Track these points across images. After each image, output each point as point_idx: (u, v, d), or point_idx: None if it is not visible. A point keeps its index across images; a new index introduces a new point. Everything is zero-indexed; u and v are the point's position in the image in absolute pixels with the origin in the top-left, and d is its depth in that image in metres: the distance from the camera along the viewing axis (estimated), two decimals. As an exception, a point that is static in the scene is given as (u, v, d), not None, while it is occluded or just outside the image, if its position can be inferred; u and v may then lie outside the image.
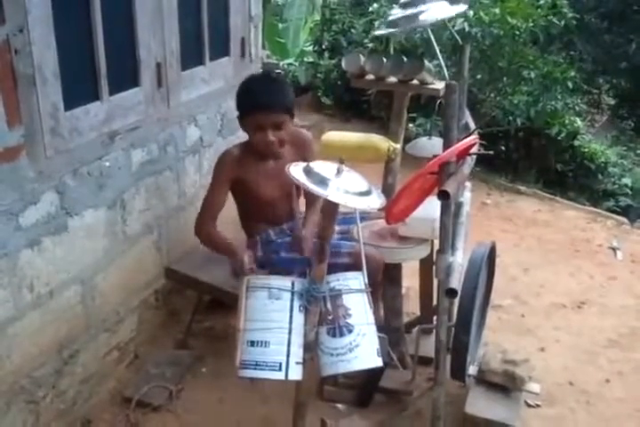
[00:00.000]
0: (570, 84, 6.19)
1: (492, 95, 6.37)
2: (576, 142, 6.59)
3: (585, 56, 8.21)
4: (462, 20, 5.62)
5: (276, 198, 2.73)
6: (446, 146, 2.22)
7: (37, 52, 2.08)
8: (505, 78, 6.25)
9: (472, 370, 2.68)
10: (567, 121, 6.45)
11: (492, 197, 5.67)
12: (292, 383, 2.02)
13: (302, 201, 2.83)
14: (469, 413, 2.55)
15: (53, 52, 2.15)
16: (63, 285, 2.40)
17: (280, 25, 8.15)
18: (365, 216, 2.82)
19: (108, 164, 2.53)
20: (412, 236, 2.73)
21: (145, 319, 2.96)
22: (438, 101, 3.17)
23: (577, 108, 6.79)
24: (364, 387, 2.75)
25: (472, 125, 2.84)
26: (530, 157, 6.65)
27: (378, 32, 3.15)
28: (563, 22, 6.28)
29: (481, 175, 5.90)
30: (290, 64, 7.57)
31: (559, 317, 3.68)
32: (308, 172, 1.82)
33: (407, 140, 3.31)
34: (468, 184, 2.89)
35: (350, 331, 1.95)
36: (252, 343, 1.91)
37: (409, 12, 2.96)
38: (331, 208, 1.90)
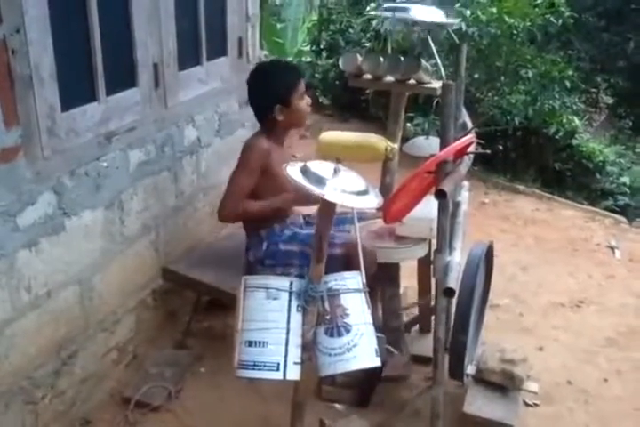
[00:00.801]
0: (568, 83, 6.19)
1: (490, 94, 6.37)
2: (574, 141, 6.59)
3: (583, 55, 8.21)
4: (460, 19, 5.61)
5: (290, 190, 2.76)
6: (443, 145, 2.22)
7: (34, 52, 2.08)
8: (502, 77, 6.26)
9: (470, 369, 2.68)
10: (565, 120, 6.45)
11: (491, 197, 5.67)
12: (290, 383, 2.02)
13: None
14: (468, 412, 2.55)
15: (50, 52, 2.15)
16: (61, 285, 2.40)
17: (278, 25, 8.16)
18: (363, 216, 2.83)
19: (105, 164, 2.53)
20: (409, 235, 2.73)
21: (143, 320, 2.96)
22: (436, 101, 3.18)
23: (575, 107, 6.79)
24: (363, 387, 2.75)
25: (469, 125, 2.84)
26: (528, 157, 6.65)
27: (373, 12, 3.17)
28: (560, 21, 6.28)
29: (479, 175, 5.90)
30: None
31: (557, 316, 3.68)
32: (305, 171, 1.82)
33: (405, 139, 3.31)
34: (465, 183, 2.89)
35: (348, 331, 1.95)
36: (250, 344, 1.91)
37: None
38: (328, 208, 1.90)
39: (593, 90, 8.90)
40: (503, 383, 2.62)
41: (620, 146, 7.75)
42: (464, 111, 2.90)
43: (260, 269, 2.72)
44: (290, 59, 7.76)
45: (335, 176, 1.81)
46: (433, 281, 2.47)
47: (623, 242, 4.87)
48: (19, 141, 2.09)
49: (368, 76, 3.16)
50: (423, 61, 3.07)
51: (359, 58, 3.13)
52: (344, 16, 7.37)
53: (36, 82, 2.11)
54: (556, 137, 6.41)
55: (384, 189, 3.11)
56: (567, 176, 6.66)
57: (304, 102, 2.80)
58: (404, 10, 3.03)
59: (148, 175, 2.82)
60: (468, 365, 2.67)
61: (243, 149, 2.74)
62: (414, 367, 2.83)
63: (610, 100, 9.66)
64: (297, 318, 1.93)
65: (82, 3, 2.31)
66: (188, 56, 3.01)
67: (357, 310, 1.98)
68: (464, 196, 2.79)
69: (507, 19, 5.86)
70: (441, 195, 2.01)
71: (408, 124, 6.12)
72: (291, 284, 1.96)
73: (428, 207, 2.41)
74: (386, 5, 3.14)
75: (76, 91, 2.33)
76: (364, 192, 1.84)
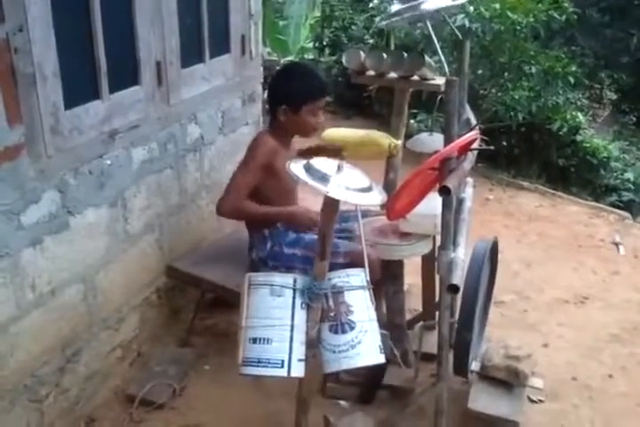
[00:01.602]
0: (571, 79, 6.17)
1: (494, 91, 6.36)
2: (578, 137, 6.58)
3: (586, 51, 8.19)
4: (463, 15, 5.61)
5: (293, 190, 2.80)
6: (447, 142, 2.22)
7: (37, 50, 2.08)
8: (506, 74, 6.24)
9: (475, 366, 2.68)
10: (569, 116, 6.44)
11: (495, 193, 5.66)
12: (294, 380, 2.02)
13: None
14: (472, 409, 2.55)
15: (53, 50, 2.15)
16: (65, 283, 2.40)
17: (280, 22, 8.15)
18: (367, 214, 2.83)
19: (108, 162, 2.53)
20: (413, 232, 2.73)
21: (147, 317, 2.96)
22: (439, 97, 3.17)
23: (579, 103, 6.78)
24: (367, 384, 2.75)
25: (473, 121, 2.83)
26: (532, 153, 6.64)
27: (380, 23, 3.14)
28: (564, 17, 6.26)
29: (483, 171, 5.89)
30: (291, 60, 7.57)
31: (562, 312, 3.68)
32: (308, 168, 1.82)
33: (408, 136, 3.31)
34: (470, 180, 2.88)
35: (352, 328, 1.95)
36: (255, 341, 1.91)
37: (409, 3, 2.96)
38: (331, 205, 1.90)
39: (597, 86, 8.89)
40: (508, 380, 2.62)
41: (624, 142, 7.74)
42: (468, 107, 2.89)
43: (262, 270, 2.72)
44: (292, 56, 7.76)
45: (339, 173, 1.81)
46: (437, 278, 2.46)
47: (627, 238, 4.86)
48: (22, 140, 2.09)
49: (371, 72, 3.15)
50: (426, 58, 3.07)
51: (362, 54, 3.12)
52: (346, 13, 7.36)
53: (39, 80, 2.11)
54: (560, 133, 6.40)
55: (388, 186, 3.11)
56: (571, 172, 6.65)
57: (315, 119, 2.75)
58: (413, 9, 2.97)
59: (151, 173, 2.82)
60: (473, 361, 2.67)
61: (249, 145, 2.75)
62: (419, 364, 2.83)
63: (614, 96, 9.64)
64: (301, 315, 1.93)
65: (84, 1, 2.31)
66: (191, 54, 3.00)
67: (361, 306, 1.98)
68: (468, 192, 2.79)
69: (510, 14, 5.84)
70: (445, 191, 2.01)
71: (411, 121, 6.12)
72: (295, 281, 1.96)
73: (432, 204, 2.41)
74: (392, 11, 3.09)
75: (79, 89, 2.33)
76: (368, 189, 1.84)
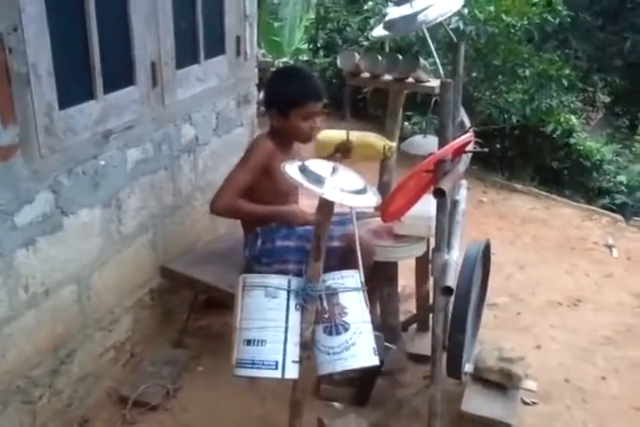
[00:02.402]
0: (565, 82, 6.21)
1: (488, 93, 6.38)
2: (571, 140, 6.61)
3: (580, 54, 8.22)
4: (457, 18, 5.63)
5: (290, 192, 2.79)
6: (442, 144, 2.23)
7: (32, 50, 2.07)
8: (500, 76, 6.27)
9: (468, 368, 2.68)
10: (562, 119, 6.47)
11: (488, 195, 5.68)
12: (288, 382, 2.02)
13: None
14: (466, 410, 2.55)
15: (48, 50, 2.15)
16: (58, 284, 2.40)
17: (275, 23, 8.16)
18: (362, 215, 2.83)
19: (103, 163, 2.53)
20: (408, 234, 2.74)
21: (141, 319, 2.95)
22: (434, 99, 3.18)
23: (572, 106, 6.81)
24: (361, 385, 2.75)
25: (467, 123, 2.85)
26: (525, 155, 6.67)
27: (375, 34, 3.14)
28: (557, 20, 6.29)
29: (477, 173, 5.91)
30: (285, 62, 7.57)
31: (555, 314, 3.69)
32: (303, 170, 1.82)
33: (403, 138, 3.32)
34: (464, 182, 2.89)
35: (346, 329, 1.95)
36: (249, 342, 1.91)
37: (404, 10, 2.96)
38: (326, 207, 1.90)
39: (590, 89, 8.91)
40: (501, 382, 2.62)
41: (617, 144, 7.77)
42: (462, 110, 2.90)
43: (256, 268, 2.72)
44: (287, 58, 7.76)
45: (333, 175, 1.81)
46: (431, 280, 2.47)
47: (620, 240, 4.89)
48: (16, 140, 2.08)
49: (366, 74, 3.16)
50: (421, 60, 3.07)
51: (357, 56, 3.12)
52: (341, 14, 7.36)
53: (34, 80, 2.10)
54: (554, 136, 6.42)
55: (382, 188, 3.12)
56: (564, 175, 6.68)
57: (307, 124, 2.71)
58: (409, 21, 2.95)
59: (145, 174, 2.82)
60: (466, 363, 2.68)
61: (247, 147, 2.77)
62: (413, 366, 2.83)
63: (607, 99, 9.67)
64: (295, 316, 1.93)
65: (79, 1, 2.30)
66: (186, 54, 3.00)
67: (356, 308, 1.98)
68: (462, 194, 2.79)
69: (504, 17, 5.87)
70: (439, 193, 2.01)
71: (406, 123, 6.14)
72: (289, 282, 1.96)
73: (427, 206, 2.41)
74: (387, 19, 3.08)
75: (73, 89, 2.32)
76: (363, 191, 1.84)
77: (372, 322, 2.03)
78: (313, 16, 7.96)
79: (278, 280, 1.96)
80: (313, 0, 8.08)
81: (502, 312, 3.62)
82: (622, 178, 6.67)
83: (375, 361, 1.98)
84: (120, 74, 2.59)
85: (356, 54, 3.14)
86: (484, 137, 5.18)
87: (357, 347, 1.94)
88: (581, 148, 6.63)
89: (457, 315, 2.53)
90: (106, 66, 2.44)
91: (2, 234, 2.09)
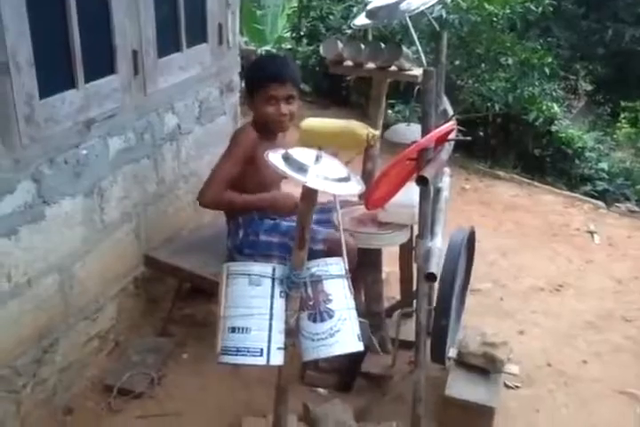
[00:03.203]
0: (547, 71, 6.23)
1: (470, 81, 6.39)
2: (553, 128, 6.64)
3: (562, 42, 8.25)
4: (440, 6, 5.62)
5: (274, 182, 2.79)
6: (425, 132, 2.23)
7: (11, 39, 2.05)
8: (483, 65, 6.28)
9: (452, 353, 2.71)
10: (544, 107, 6.49)
11: (471, 183, 5.71)
12: (273, 369, 2.03)
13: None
14: (450, 395, 2.58)
15: (27, 39, 2.12)
16: (41, 274, 2.39)
17: (258, 11, 8.11)
18: (346, 204, 2.83)
19: (84, 152, 2.51)
20: (391, 221, 2.75)
21: (125, 307, 2.95)
22: (417, 88, 3.18)
23: (554, 94, 6.84)
24: (346, 372, 2.77)
25: (450, 111, 2.85)
26: (508, 143, 6.70)
27: (357, 23, 3.13)
28: (540, 9, 6.32)
29: (460, 161, 5.93)
30: (268, 51, 7.54)
31: (537, 300, 3.73)
32: (287, 158, 1.82)
33: (386, 126, 3.32)
34: (447, 170, 2.91)
35: (331, 316, 1.96)
36: (234, 330, 1.91)
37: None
38: (310, 195, 1.90)
39: (572, 77, 8.97)
40: (484, 366, 2.65)
41: (599, 132, 7.82)
42: (445, 98, 2.91)
43: (238, 258, 2.73)
44: (270, 46, 7.72)
45: (317, 163, 1.81)
46: (415, 266, 2.48)
47: (602, 227, 4.93)
48: (-4, 129, 2.07)
49: (349, 62, 3.15)
50: (404, 48, 3.07)
51: (340, 44, 3.12)
52: (324, 2, 7.33)
53: (13, 69, 2.08)
54: (536, 123, 6.45)
55: (366, 176, 3.12)
56: (547, 162, 6.72)
57: (270, 108, 2.69)
58: (391, 10, 2.95)
59: (128, 163, 2.81)
60: (450, 348, 2.70)
61: (231, 137, 2.77)
62: (397, 352, 2.85)
63: (589, 87, 9.74)
64: (280, 303, 1.94)
65: (59, -12, 2.29)
66: (168, 43, 2.98)
67: (340, 295, 1.99)
68: (445, 182, 2.81)
69: (487, 6, 5.88)
70: (422, 181, 2.02)
71: (389, 111, 6.14)
72: (273, 270, 1.96)
73: (410, 194, 2.42)
74: (369, 7, 3.07)
75: (54, 78, 2.30)
76: (346, 179, 1.85)
77: (357, 308, 2.04)
78: (296, 4, 7.91)
79: (262, 268, 1.97)
80: (296, -12, 8.03)
81: (485, 298, 3.65)
82: (604, 165, 6.72)
83: (360, 347, 1.99)
84: (101, 62, 2.57)
85: (339, 43, 3.13)
86: (466, 125, 5.21)
87: (342, 333, 1.95)
88: (563, 135, 6.67)
89: (441, 301, 2.55)
90: (86, 54, 2.42)
91: (-17, 223, 2.08)
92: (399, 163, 2.16)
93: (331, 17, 7.17)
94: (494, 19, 5.97)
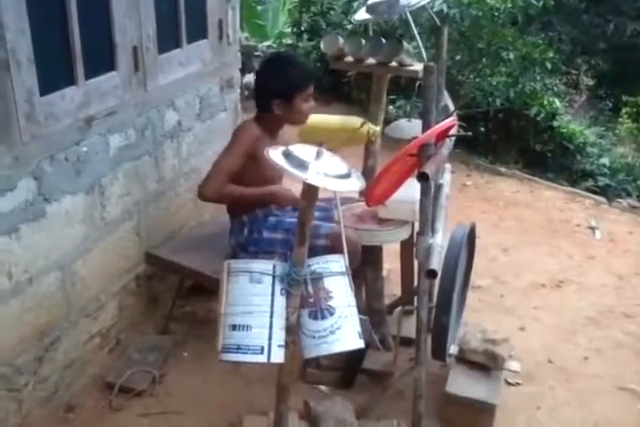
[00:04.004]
0: (548, 65, 6.20)
1: (472, 76, 6.37)
2: (555, 123, 6.62)
3: (563, 37, 8.22)
4: (441, 1, 5.60)
5: (275, 179, 2.78)
6: (425, 128, 2.22)
7: (11, 36, 2.05)
8: (484, 59, 6.25)
9: (453, 350, 2.71)
10: (546, 102, 6.47)
11: (472, 179, 5.69)
12: (274, 366, 2.03)
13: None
14: (450, 392, 2.58)
15: (27, 36, 2.12)
16: (42, 271, 2.39)
17: (258, 7, 8.08)
18: (346, 201, 2.83)
19: (85, 149, 2.51)
20: (392, 218, 2.74)
21: (126, 305, 2.95)
22: (418, 83, 3.17)
23: (556, 89, 6.81)
24: (347, 369, 2.77)
25: (451, 107, 2.84)
26: (509, 138, 6.68)
27: (358, 18, 3.12)
28: (541, 3, 6.28)
29: (461, 157, 5.92)
30: (269, 46, 7.52)
31: (538, 296, 3.73)
32: (287, 155, 1.81)
33: (387, 122, 3.31)
34: (448, 166, 2.90)
35: (332, 313, 1.96)
36: (234, 327, 1.91)
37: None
38: (310, 191, 1.90)
39: (573, 72, 8.94)
40: (485, 363, 2.65)
41: (600, 127, 7.79)
42: (446, 93, 2.90)
43: (242, 256, 2.72)
44: (270, 41, 7.70)
45: (318, 160, 1.80)
46: (416, 263, 2.48)
47: (603, 222, 4.92)
48: (-4, 126, 2.06)
49: (350, 58, 3.14)
50: (405, 43, 3.06)
51: (341, 40, 3.11)
52: (325, -2, 7.30)
53: (13, 66, 2.08)
54: (537, 119, 6.43)
55: (367, 172, 3.12)
56: (548, 157, 6.69)
57: (308, 105, 2.77)
58: (392, 5, 2.93)
59: (128, 160, 2.80)
60: (451, 345, 2.70)
61: (233, 132, 2.76)
62: (398, 349, 2.85)
63: (590, 82, 9.70)
64: (281, 301, 1.93)
65: (58, -15, 2.28)
66: (168, 39, 2.97)
67: (341, 292, 1.99)
68: (446, 178, 2.80)
69: (488, 0, 5.85)
70: (423, 177, 2.02)
71: (390, 107, 6.12)
72: (274, 267, 1.96)
73: (411, 190, 2.42)
74: (369, 2, 3.06)
75: (54, 75, 2.30)
76: (347, 175, 1.84)
77: (357, 306, 2.04)
78: (296, -1, 7.89)
79: (263, 265, 1.96)
80: (296, -17, 7.99)
81: (486, 294, 3.65)
82: (605, 160, 6.69)
83: (360, 344, 1.99)
84: (101, 59, 2.57)
85: (340, 38, 3.12)
86: (467, 120, 5.19)
87: (342, 331, 1.95)
88: (565, 130, 6.64)
89: (442, 297, 2.54)
90: (86, 51, 2.42)
91: (-16, 221, 2.08)
92: (400, 159, 2.16)
93: (331, 12, 7.14)
94: (495, 13, 5.93)
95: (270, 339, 1.90)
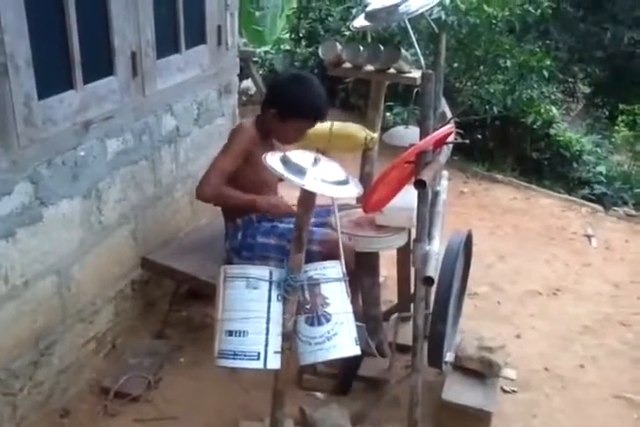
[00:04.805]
0: (545, 73, 6.23)
1: (469, 84, 6.39)
2: (551, 131, 6.64)
3: (560, 45, 8.25)
4: (439, 8, 5.62)
5: (270, 182, 2.80)
6: (423, 135, 2.23)
7: (9, 40, 2.05)
8: (481, 67, 6.28)
9: (449, 357, 2.70)
10: (543, 110, 6.50)
11: (469, 186, 5.70)
12: (270, 372, 2.03)
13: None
14: (446, 399, 2.57)
15: (26, 40, 2.12)
16: (38, 275, 2.38)
17: (257, 13, 8.09)
18: (343, 207, 2.83)
19: (82, 153, 2.51)
20: (389, 225, 2.74)
21: (122, 310, 2.94)
22: (415, 90, 3.17)
23: (552, 97, 6.85)
24: (343, 375, 2.77)
25: (449, 114, 2.85)
26: (506, 146, 6.69)
27: (356, 24, 3.13)
28: (539, 11, 6.31)
29: (458, 164, 5.93)
30: (267, 52, 7.53)
31: (534, 304, 3.73)
32: (285, 161, 1.81)
33: (384, 129, 3.31)
34: (445, 173, 2.90)
35: (328, 320, 1.95)
36: (231, 333, 1.91)
37: (386, 0, 2.94)
38: (308, 198, 1.90)
39: (570, 80, 8.96)
40: (481, 371, 2.65)
41: (597, 135, 7.82)
42: (443, 101, 2.90)
43: (236, 261, 2.72)
44: (270, 47, 7.71)
45: (315, 166, 1.81)
46: (412, 270, 2.48)
47: (599, 230, 4.93)
48: (-6, 130, 2.06)
49: (348, 65, 3.15)
50: (403, 50, 3.07)
51: (339, 46, 3.11)
52: (323, 4, 7.31)
53: (12, 70, 2.08)
54: (534, 126, 6.46)
55: (364, 179, 3.12)
56: (545, 165, 6.71)
57: (296, 134, 2.76)
58: (390, 12, 2.94)
59: (125, 164, 2.80)
60: (447, 352, 2.70)
61: (230, 132, 2.78)
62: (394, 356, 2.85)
63: (587, 90, 9.73)
64: (277, 307, 1.93)
65: (58, -11, 2.28)
66: (167, 44, 2.98)
67: (337, 299, 1.98)
68: (443, 185, 2.81)
69: (486, 8, 5.87)
70: (420, 184, 2.02)
71: (387, 114, 6.12)
72: (271, 273, 1.96)
73: (408, 197, 2.42)
74: (368, 9, 3.06)
75: (52, 79, 2.30)
76: (344, 182, 1.84)
77: (354, 312, 2.04)
78: (295, 5, 7.90)
79: (259, 271, 1.96)
80: (295, -11, 8.03)
81: (483, 302, 3.65)
82: (602, 168, 6.71)
83: (356, 351, 1.99)
84: (100, 63, 2.57)
85: (338, 45, 3.13)
86: (465, 128, 5.20)
87: (339, 337, 1.95)
88: (561, 138, 6.66)
89: (439, 305, 2.54)
90: (85, 55, 2.42)
91: (-20, 225, 2.08)
92: (397, 166, 2.16)
93: (330, 18, 7.16)
94: (493, 21, 5.95)
95: (267, 345, 1.90)
